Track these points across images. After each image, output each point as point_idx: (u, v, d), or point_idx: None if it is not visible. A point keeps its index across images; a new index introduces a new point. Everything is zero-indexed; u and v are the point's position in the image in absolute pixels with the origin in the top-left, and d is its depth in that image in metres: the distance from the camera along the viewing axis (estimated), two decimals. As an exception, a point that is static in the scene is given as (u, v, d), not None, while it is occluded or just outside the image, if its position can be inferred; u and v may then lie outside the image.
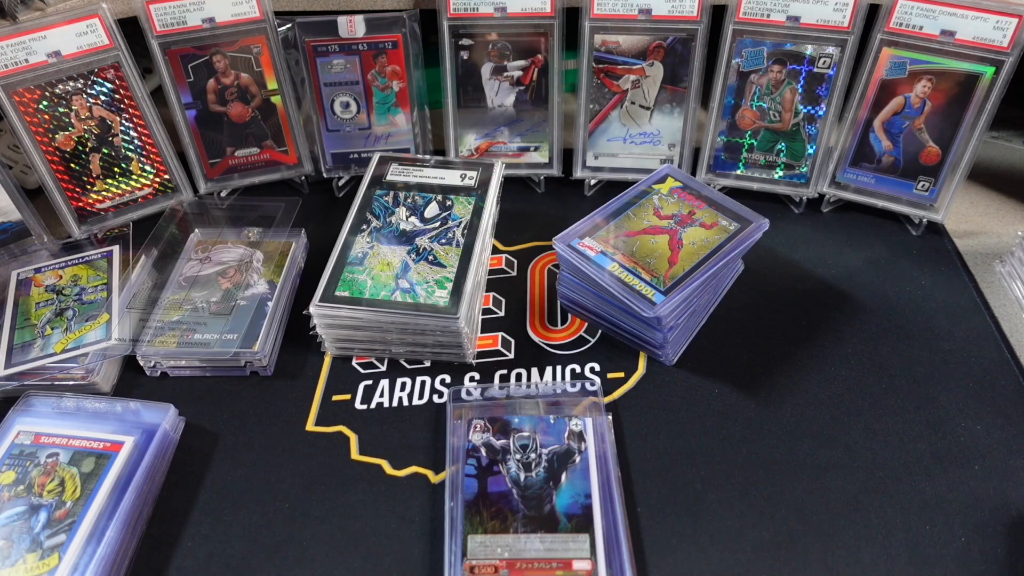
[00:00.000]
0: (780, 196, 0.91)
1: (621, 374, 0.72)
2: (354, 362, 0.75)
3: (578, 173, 0.93)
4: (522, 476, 0.62)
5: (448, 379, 0.72)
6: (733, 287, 0.80)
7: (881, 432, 0.66)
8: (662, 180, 0.80)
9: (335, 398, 0.71)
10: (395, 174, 0.84)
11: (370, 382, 0.73)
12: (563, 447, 0.64)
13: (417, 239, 0.76)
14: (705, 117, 0.89)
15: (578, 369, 0.73)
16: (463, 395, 0.69)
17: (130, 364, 0.74)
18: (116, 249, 0.83)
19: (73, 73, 0.81)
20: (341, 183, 0.95)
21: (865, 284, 0.80)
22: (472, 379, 0.72)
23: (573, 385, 0.70)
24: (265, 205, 0.90)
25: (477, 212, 0.79)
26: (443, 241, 0.76)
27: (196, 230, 0.85)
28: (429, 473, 0.65)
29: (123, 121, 0.86)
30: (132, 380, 0.73)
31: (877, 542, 0.59)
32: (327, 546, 0.60)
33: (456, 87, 0.89)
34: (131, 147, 0.87)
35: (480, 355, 0.75)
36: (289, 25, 0.86)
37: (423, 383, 0.72)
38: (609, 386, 0.71)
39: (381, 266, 0.74)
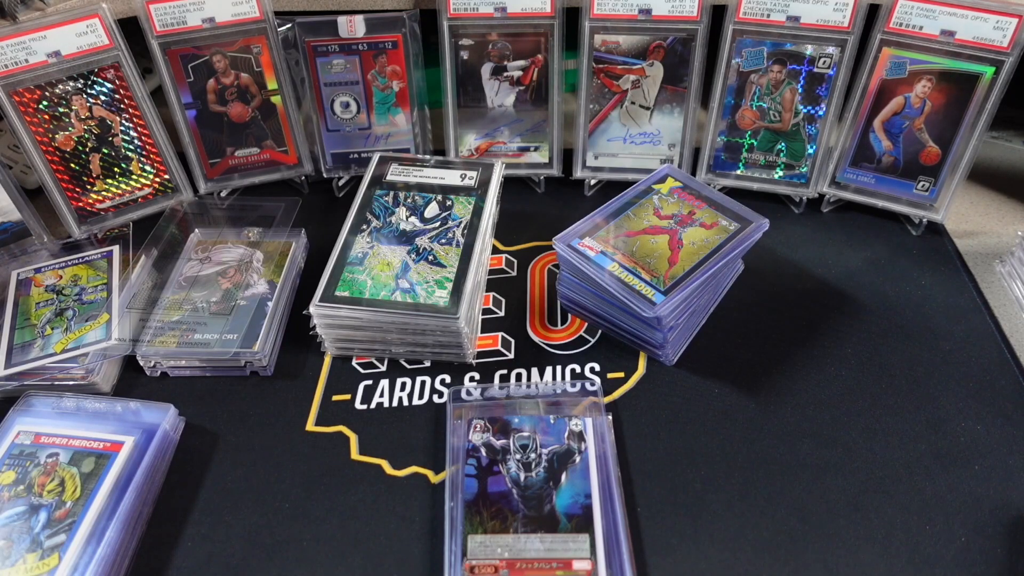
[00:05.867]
0: (780, 196, 0.91)
1: (621, 374, 0.72)
2: (354, 362, 0.75)
3: (578, 173, 0.93)
4: (522, 476, 0.62)
5: (448, 379, 0.72)
6: (733, 287, 0.80)
7: (881, 432, 0.66)
8: (662, 180, 0.80)
9: (335, 398, 0.71)
10: (395, 174, 0.84)
11: (370, 382, 0.73)
12: (563, 447, 0.64)
13: (417, 239, 0.76)
14: (705, 117, 0.89)
15: (578, 369, 0.73)
16: (463, 395, 0.69)
17: (130, 364, 0.74)
18: (116, 249, 0.83)
19: (73, 73, 0.81)
20: (341, 183, 0.95)
21: (865, 284, 0.80)
22: (472, 379, 0.72)
23: (573, 385, 0.70)
24: (265, 205, 0.90)
25: (477, 212, 0.79)
26: (443, 241, 0.76)
27: (196, 230, 0.85)
28: (429, 473, 0.65)
29: (123, 121, 0.86)
30: (132, 380, 0.73)
31: (877, 542, 0.59)
32: (327, 546, 0.60)
33: (456, 87, 0.89)
34: (131, 147, 0.87)
35: (480, 355, 0.75)
36: (289, 25, 0.86)
37: (423, 383, 0.72)
38: (609, 386, 0.71)
39: (381, 266, 0.74)
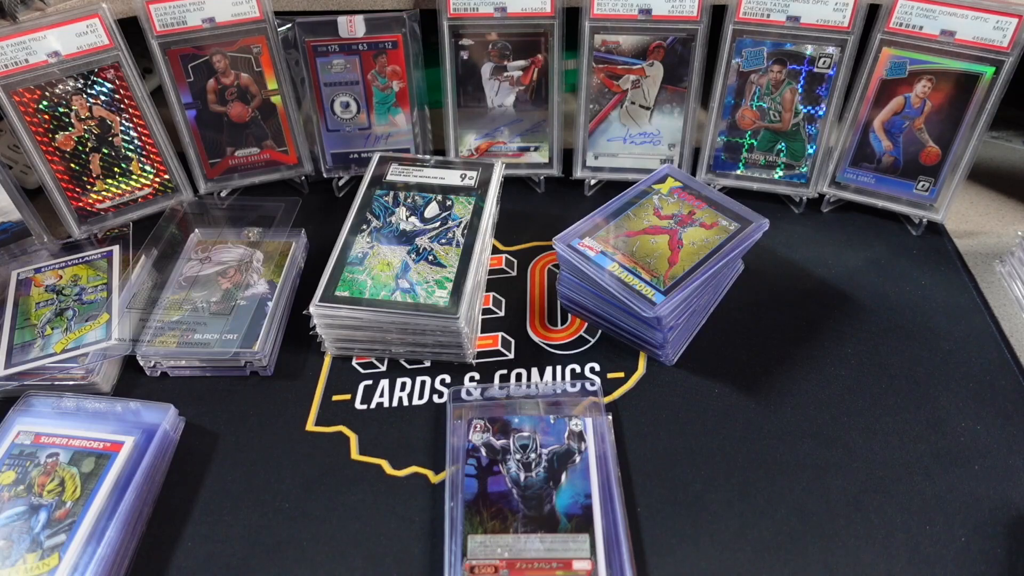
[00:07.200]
0: (780, 196, 0.91)
1: (621, 374, 0.72)
2: (354, 362, 0.75)
3: (578, 173, 0.93)
4: (522, 476, 0.62)
5: (448, 379, 0.72)
6: (733, 287, 0.80)
7: (881, 432, 0.66)
8: (662, 180, 0.80)
9: (335, 398, 0.71)
10: (395, 174, 0.84)
11: (370, 382, 0.73)
12: (563, 447, 0.64)
13: (417, 239, 0.76)
14: (705, 117, 0.88)
15: (578, 369, 0.73)
16: (463, 395, 0.69)
17: (130, 364, 0.74)
18: (116, 249, 0.83)
19: (73, 73, 0.81)
20: (341, 183, 0.95)
21: (865, 284, 0.80)
22: (472, 379, 0.72)
23: (573, 385, 0.70)
24: (265, 205, 0.90)
25: (477, 212, 0.79)
26: (443, 241, 0.76)
27: (196, 230, 0.85)
28: (429, 473, 0.65)
29: (123, 121, 0.86)
30: (132, 380, 0.73)
31: (877, 542, 0.59)
32: (327, 546, 0.60)
33: (456, 87, 0.89)
34: (131, 147, 0.87)
35: (480, 355, 0.75)
36: (289, 25, 0.86)
37: (423, 383, 0.72)
38: (609, 386, 0.71)
39: (381, 266, 0.74)
